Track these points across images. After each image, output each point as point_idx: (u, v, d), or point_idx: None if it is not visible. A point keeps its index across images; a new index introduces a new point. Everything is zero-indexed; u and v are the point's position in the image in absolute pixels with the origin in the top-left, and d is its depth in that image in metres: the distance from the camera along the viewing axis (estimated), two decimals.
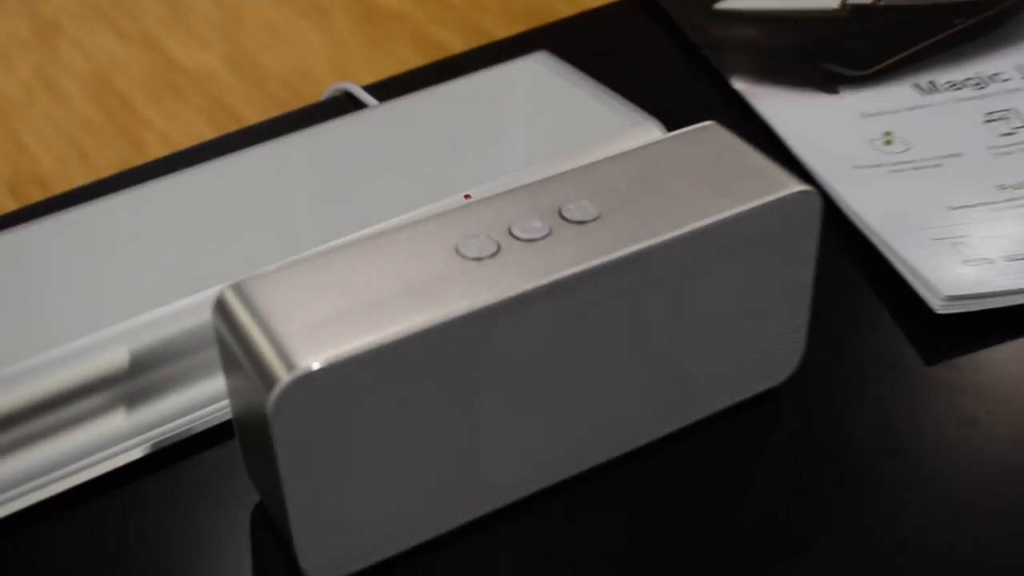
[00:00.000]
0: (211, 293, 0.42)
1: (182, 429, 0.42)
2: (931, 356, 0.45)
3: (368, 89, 0.59)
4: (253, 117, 1.69)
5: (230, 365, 0.36)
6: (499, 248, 0.36)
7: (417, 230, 0.37)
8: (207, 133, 1.70)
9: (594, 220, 0.37)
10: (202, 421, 0.42)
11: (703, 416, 0.42)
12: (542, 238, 0.37)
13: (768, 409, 0.43)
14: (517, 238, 0.37)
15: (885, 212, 0.50)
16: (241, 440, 0.38)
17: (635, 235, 0.37)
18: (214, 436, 0.42)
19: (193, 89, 1.80)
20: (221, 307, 0.36)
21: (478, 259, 0.36)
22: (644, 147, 0.40)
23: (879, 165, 0.53)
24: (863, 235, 0.50)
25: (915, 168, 0.52)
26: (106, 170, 1.67)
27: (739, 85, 0.58)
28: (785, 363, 0.43)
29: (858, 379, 0.44)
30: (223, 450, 0.42)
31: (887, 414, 0.43)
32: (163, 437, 0.42)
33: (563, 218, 0.38)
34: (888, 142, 0.54)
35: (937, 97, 0.57)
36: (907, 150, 0.53)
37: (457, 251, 0.36)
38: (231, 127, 1.70)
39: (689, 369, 0.40)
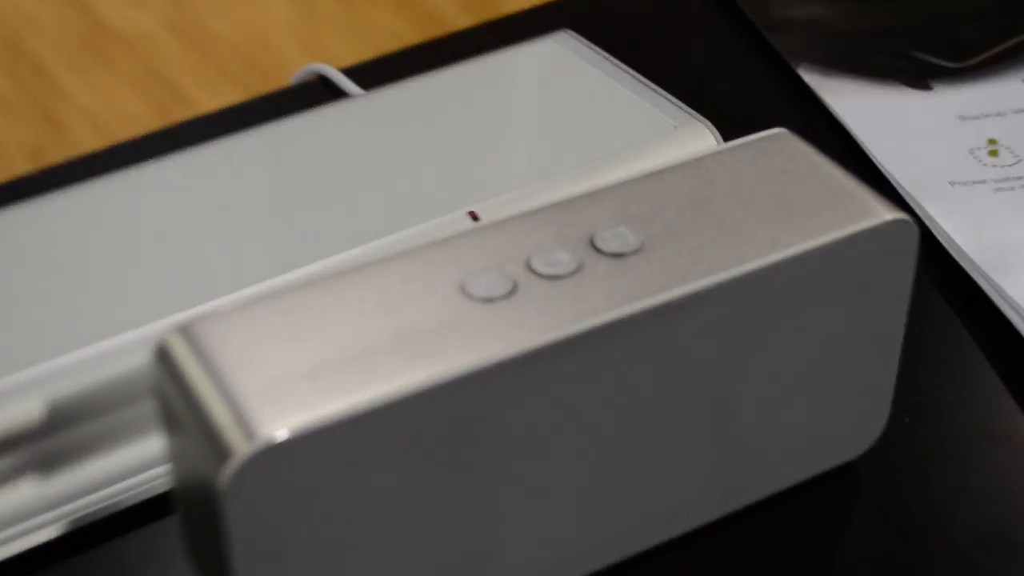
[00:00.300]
0: (150, 331, 0.41)
1: (109, 502, 0.41)
2: None
3: (347, 72, 0.58)
4: (199, 93, 1.68)
5: (173, 427, 0.35)
6: (515, 286, 0.36)
7: (412, 261, 0.36)
8: (141, 111, 1.69)
9: (635, 253, 0.37)
10: (133, 493, 0.41)
11: (764, 496, 0.41)
12: (569, 275, 0.36)
13: (843, 488, 0.42)
14: (538, 274, 0.36)
15: (990, 242, 0.49)
16: (183, 518, 0.37)
17: (686, 273, 0.36)
18: (149, 511, 0.41)
19: (125, 57, 1.79)
20: (163, 355, 0.35)
21: (489, 300, 0.35)
22: (697, 160, 0.40)
23: (982, 181, 0.52)
24: (962, 270, 0.49)
25: None
26: (16, 154, 1.66)
27: (808, 77, 0.58)
28: (865, 432, 0.42)
29: (955, 454, 0.43)
30: (160, 529, 0.41)
31: (991, 499, 0.42)
32: (85, 512, 0.41)
33: (596, 249, 0.37)
34: (993, 152, 0.53)
35: None
36: (1017, 162, 0.53)
37: (463, 289, 0.36)
38: (172, 105, 1.69)
39: (749, 439, 0.39)
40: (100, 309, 0.42)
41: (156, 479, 0.41)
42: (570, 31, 0.55)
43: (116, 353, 0.41)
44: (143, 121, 1.67)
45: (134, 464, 0.41)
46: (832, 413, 0.40)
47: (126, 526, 0.41)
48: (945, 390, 0.45)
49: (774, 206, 0.38)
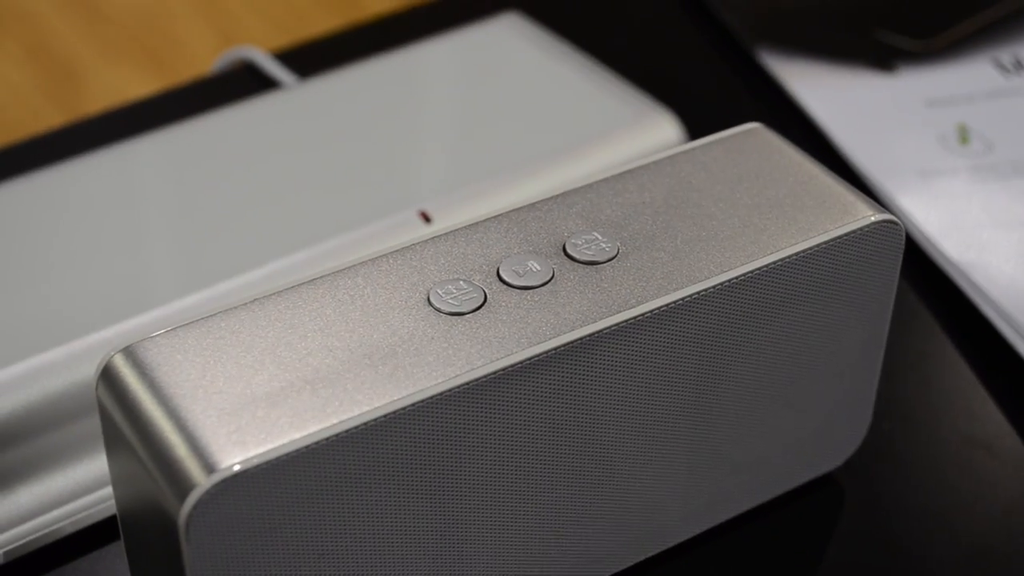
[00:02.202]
0: (87, 345, 0.41)
1: (45, 531, 0.40)
2: None
3: (276, 59, 0.57)
4: (97, 67, 1.66)
5: (120, 455, 0.34)
6: (485, 299, 0.35)
7: (372, 271, 0.36)
8: (27, 86, 1.66)
9: (610, 260, 0.36)
10: (71, 521, 0.40)
11: (740, 512, 0.41)
12: (542, 285, 0.36)
13: (821, 501, 0.42)
14: (508, 284, 0.36)
15: (966, 237, 0.49)
16: (131, 547, 0.36)
17: (665, 282, 0.36)
18: (89, 540, 0.41)
19: (12, 26, 1.76)
20: (109, 378, 0.34)
21: (458, 314, 0.35)
22: (669, 158, 0.39)
23: (953, 171, 0.52)
24: (937, 267, 0.49)
25: (1000, 176, 0.52)
26: None
27: (768, 60, 0.58)
28: (845, 441, 0.42)
29: (936, 462, 0.44)
30: (102, 559, 0.40)
31: (975, 509, 0.42)
32: (19, 543, 0.40)
33: (569, 256, 0.36)
34: (963, 139, 0.53)
35: None
36: (988, 150, 0.53)
37: (429, 302, 0.35)
38: (62, 78, 1.67)
39: (729, 451, 0.39)
40: (35, 319, 0.41)
41: (97, 505, 0.41)
42: (518, 12, 0.54)
43: (51, 369, 0.40)
44: (30, 95, 1.64)
45: (72, 489, 0.41)
46: (814, 422, 0.40)
47: (66, 556, 0.41)
48: (923, 395, 0.46)
49: (753, 207, 0.38)
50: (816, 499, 0.42)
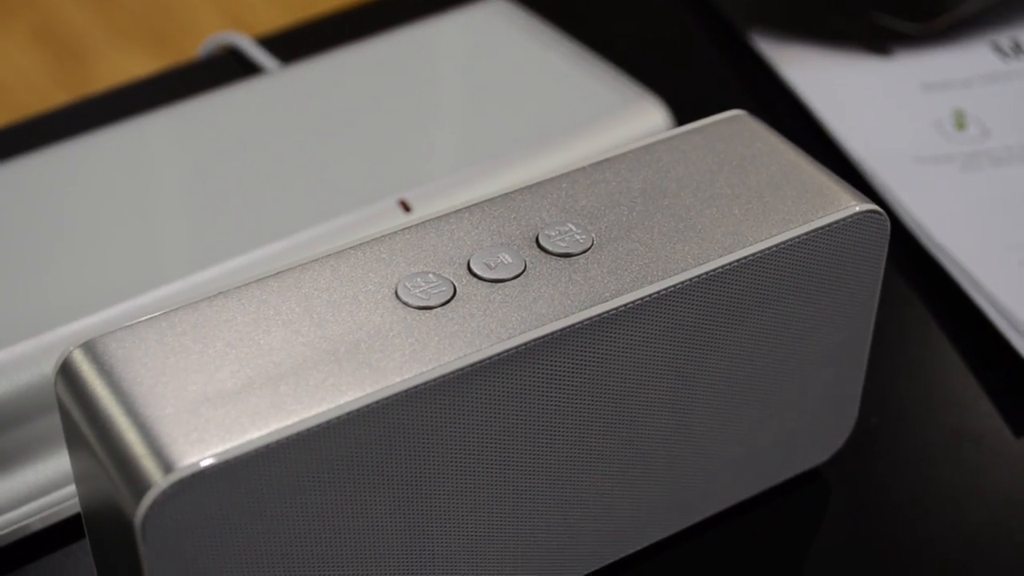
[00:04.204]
0: (51, 340, 0.40)
1: (13, 527, 0.40)
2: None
3: (261, 43, 0.57)
4: (104, 49, 1.66)
5: (80, 452, 0.34)
6: (455, 292, 0.35)
7: (340, 264, 0.35)
8: (35, 69, 1.67)
9: (584, 252, 0.36)
10: (39, 517, 0.40)
11: (722, 509, 0.40)
12: (513, 278, 0.35)
13: (808, 496, 0.42)
14: (479, 277, 0.35)
15: (960, 225, 0.48)
16: (95, 545, 0.36)
17: (640, 274, 0.35)
18: (58, 536, 0.40)
19: (19, 8, 1.76)
20: (67, 373, 0.33)
21: (426, 307, 0.34)
22: (648, 146, 0.39)
23: (949, 157, 0.51)
24: (929, 256, 0.48)
25: (996, 163, 0.51)
26: None
27: (761, 44, 0.57)
28: (830, 436, 0.41)
29: (925, 456, 0.43)
30: (71, 556, 0.40)
31: (964, 504, 0.42)
32: None
33: (541, 248, 0.36)
34: (960, 125, 0.53)
35: None
36: (986, 136, 0.52)
37: (397, 295, 0.35)
38: (69, 61, 1.67)
39: (711, 447, 0.38)
40: None
41: (64, 501, 0.40)
42: None
43: (13, 364, 0.40)
44: (37, 78, 1.64)
45: (39, 485, 0.40)
46: (797, 417, 0.40)
47: (33, 554, 0.40)
48: (913, 388, 0.45)
49: (733, 197, 0.37)
50: (802, 494, 0.42)
